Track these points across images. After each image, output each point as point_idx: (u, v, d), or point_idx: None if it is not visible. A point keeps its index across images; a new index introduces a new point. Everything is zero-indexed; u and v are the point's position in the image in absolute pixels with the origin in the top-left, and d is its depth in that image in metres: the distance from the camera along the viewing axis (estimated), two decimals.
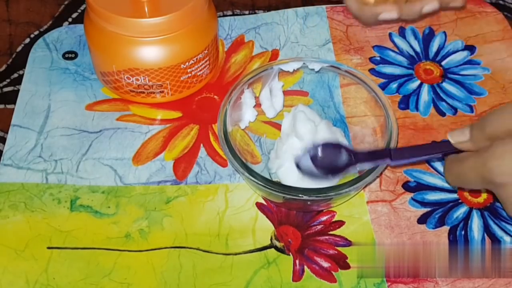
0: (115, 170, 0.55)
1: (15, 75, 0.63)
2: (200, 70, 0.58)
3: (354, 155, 0.49)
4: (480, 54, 0.64)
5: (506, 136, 0.43)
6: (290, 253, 0.50)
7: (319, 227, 0.52)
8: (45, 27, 0.67)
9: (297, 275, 0.49)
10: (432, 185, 0.54)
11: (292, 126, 0.54)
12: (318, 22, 0.67)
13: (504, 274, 0.48)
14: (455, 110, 0.60)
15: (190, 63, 0.57)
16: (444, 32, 0.66)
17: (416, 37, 0.66)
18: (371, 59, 0.64)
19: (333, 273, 0.49)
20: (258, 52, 0.64)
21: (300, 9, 0.68)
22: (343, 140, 0.54)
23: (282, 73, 0.57)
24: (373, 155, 0.49)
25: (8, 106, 0.61)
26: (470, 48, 0.65)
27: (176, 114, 0.59)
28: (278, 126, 0.57)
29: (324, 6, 0.68)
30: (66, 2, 0.70)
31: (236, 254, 0.50)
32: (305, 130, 0.53)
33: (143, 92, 0.58)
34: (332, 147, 0.50)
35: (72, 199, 0.53)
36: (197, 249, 0.50)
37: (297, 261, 0.50)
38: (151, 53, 0.55)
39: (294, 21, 0.67)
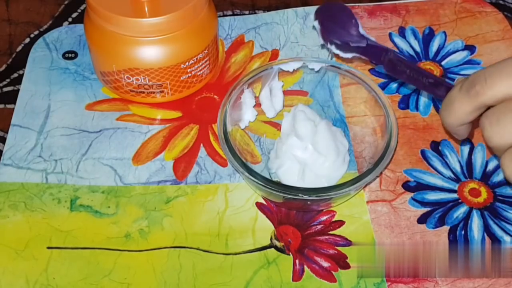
0: (115, 170, 0.55)
1: (15, 75, 0.63)
2: (200, 70, 0.58)
3: (358, 36, 0.45)
4: (480, 54, 0.64)
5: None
6: (290, 253, 0.50)
7: (319, 227, 0.52)
8: (45, 27, 0.67)
9: (297, 275, 0.49)
10: (432, 185, 0.54)
11: (292, 126, 0.54)
12: None
13: (504, 274, 0.48)
14: None
15: (190, 63, 0.57)
16: (444, 32, 0.66)
17: (416, 37, 0.66)
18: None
19: (333, 273, 0.49)
20: (258, 52, 0.64)
21: (300, 9, 0.68)
22: (342, 140, 0.54)
23: (282, 73, 0.57)
24: (370, 50, 0.45)
25: (8, 106, 0.61)
26: (470, 48, 0.65)
27: (176, 114, 0.59)
28: (278, 126, 0.57)
29: None
30: (66, 2, 0.70)
31: (236, 254, 0.50)
32: (305, 130, 0.53)
33: (143, 92, 0.58)
34: (351, 17, 0.46)
35: (72, 199, 0.53)
36: (197, 249, 0.50)
37: (297, 261, 0.50)
38: (151, 53, 0.55)
39: (294, 21, 0.67)
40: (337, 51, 0.45)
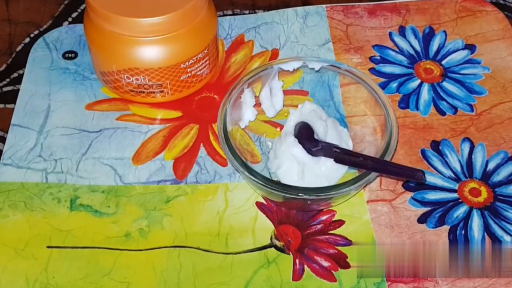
0: (115, 170, 0.55)
1: (15, 74, 0.63)
2: (200, 70, 0.58)
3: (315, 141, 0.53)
4: (481, 53, 0.64)
5: None
6: (290, 253, 0.50)
7: (319, 226, 0.52)
8: (45, 26, 0.68)
9: (297, 275, 0.49)
10: (432, 185, 0.54)
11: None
12: (318, 22, 0.67)
13: (504, 274, 0.48)
14: (455, 109, 0.60)
15: (190, 62, 0.57)
16: (444, 31, 0.66)
17: (416, 36, 0.66)
18: (371, 59, 0.64)
19: (333, 272, 0.49)
20: (258, 52, 0.64)
21: (300, 9, 0.68)
22: (347, 141, 0.54)
23: (282, 73, 0.57)
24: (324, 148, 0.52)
25: (8, 106, 0.61)
26: (471, 47, 0.65)
27: (176, 114, 0.59)
28: (278, 126, 0.57)
29: (324, 6, 0.68)
30: (66, 2, 0.70)
31: (236, 253, 0.50)
32: (322, 129, 0.53)
33: (143, 92, 0.58)
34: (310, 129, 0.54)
35: (72, 199, 0.53)
36: (197, 248, 0.50)
37: (297, 261, 0.50)
38: (151, 52, 0.55)
39: (294, 20, 0.67)
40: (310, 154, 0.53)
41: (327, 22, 0.67)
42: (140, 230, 0.51)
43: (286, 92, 0.58)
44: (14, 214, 0.52)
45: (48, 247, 0.50)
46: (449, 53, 0.64)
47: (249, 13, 0.69)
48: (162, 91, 0.58)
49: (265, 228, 0.52)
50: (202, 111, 0.59)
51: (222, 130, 0.52)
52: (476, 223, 0.52)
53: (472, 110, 0.59)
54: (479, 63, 0.63)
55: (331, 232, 0.51)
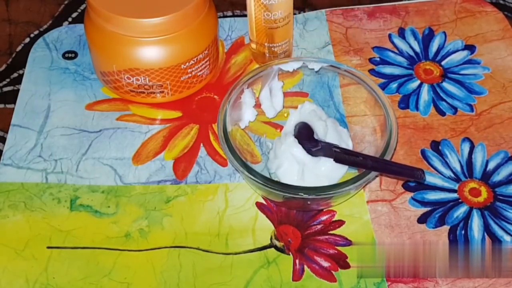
0: (115, 170, 0.55)
1: (15, 74, 0.63)
2: (200, 71, 0.58)
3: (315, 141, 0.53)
4: (480, 54, 0.64)
5: None
6: (290, 253, 0.50)
7: (319, 226, 0.52)
8: (45, 26, 0.68)
9: (297, 275, 0.49)
10: (432, 185, 0.54)
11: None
12: (317, 26, 0.67)
13: (504, 274, 0.48)
14: (455, 109, 0.60)
15: (190, 63, 0.57)
16: (444, 32, 0.66)
17: (415, 38, 0.66)
18: (370, 60, 0.64)
19: (333, 272, 0.49)
20: None
21: (299, 16, 0.68)
22: (347, 141, 0.55)
23: (282, 74, 0.57)
24: (324, 148, 0.53)
25: (8, 106, 0.61)
26: (470, 48, 0.65)
27: (176, 114, 0.59)
28: (278, 127, 0.57)
29: (323, 10, 0.68)
30: (66, 2, 0.70)
31: (236, 253, 0.50)
32: (322, 129, 0.53)
33: (143, 92, 0.58)
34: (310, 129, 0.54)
35: (72, 199, 0.53)
36: (197, 248, 0.50)
37: (297, 261, 0.50)
38: (151, 53, 0.55)
39: (294, 26, 0.66)
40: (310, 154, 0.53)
41: (326, 26, 0.67)
42: (140, 230, 0.51)
43: (286, 94, 0.58)
44: (14, 214, 0.52)
45: (48, 247, 0.50)
46: (448, 53, 0.64)
47: None
48: (162, 92, 0.58)
49: (265, 228, 0.51)
50: (202, 111, 0.59)
51: (222, 130, 0.52)
52: (476, 223, 0.52)
53: (472, 110, 0.59)
54: (479, 63, 0.63)
55: (331, 232, 0.51)
